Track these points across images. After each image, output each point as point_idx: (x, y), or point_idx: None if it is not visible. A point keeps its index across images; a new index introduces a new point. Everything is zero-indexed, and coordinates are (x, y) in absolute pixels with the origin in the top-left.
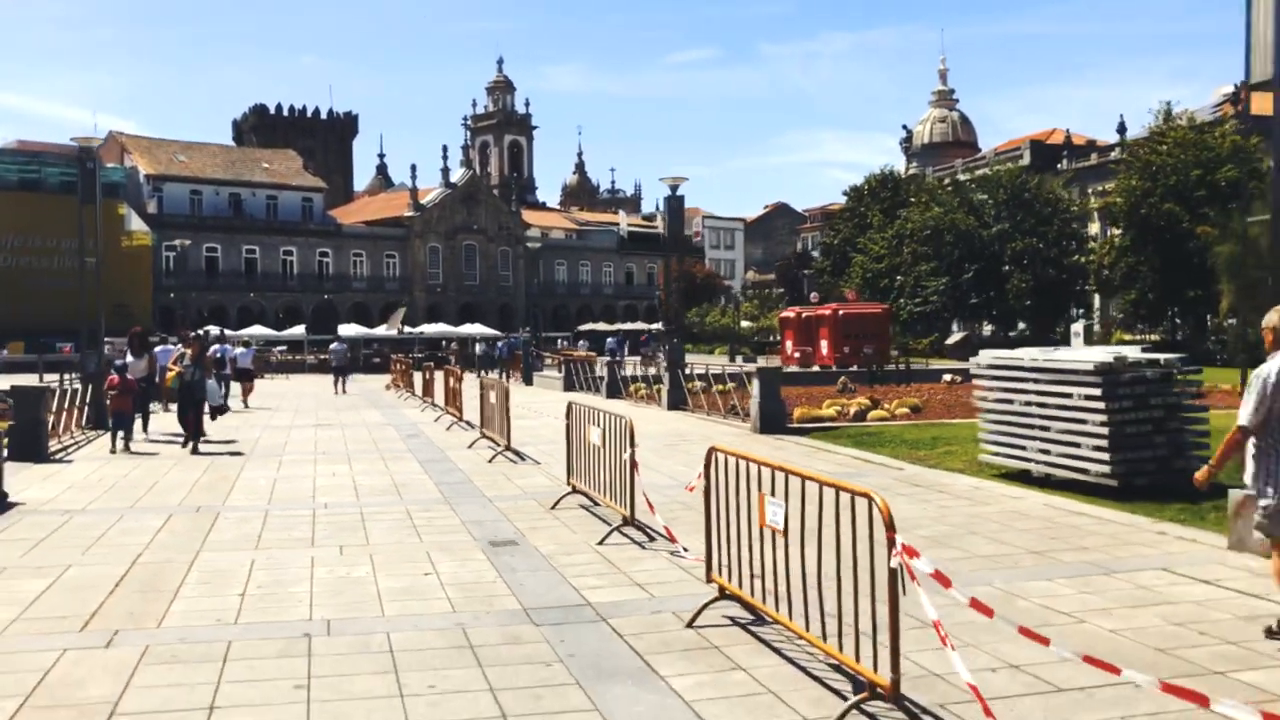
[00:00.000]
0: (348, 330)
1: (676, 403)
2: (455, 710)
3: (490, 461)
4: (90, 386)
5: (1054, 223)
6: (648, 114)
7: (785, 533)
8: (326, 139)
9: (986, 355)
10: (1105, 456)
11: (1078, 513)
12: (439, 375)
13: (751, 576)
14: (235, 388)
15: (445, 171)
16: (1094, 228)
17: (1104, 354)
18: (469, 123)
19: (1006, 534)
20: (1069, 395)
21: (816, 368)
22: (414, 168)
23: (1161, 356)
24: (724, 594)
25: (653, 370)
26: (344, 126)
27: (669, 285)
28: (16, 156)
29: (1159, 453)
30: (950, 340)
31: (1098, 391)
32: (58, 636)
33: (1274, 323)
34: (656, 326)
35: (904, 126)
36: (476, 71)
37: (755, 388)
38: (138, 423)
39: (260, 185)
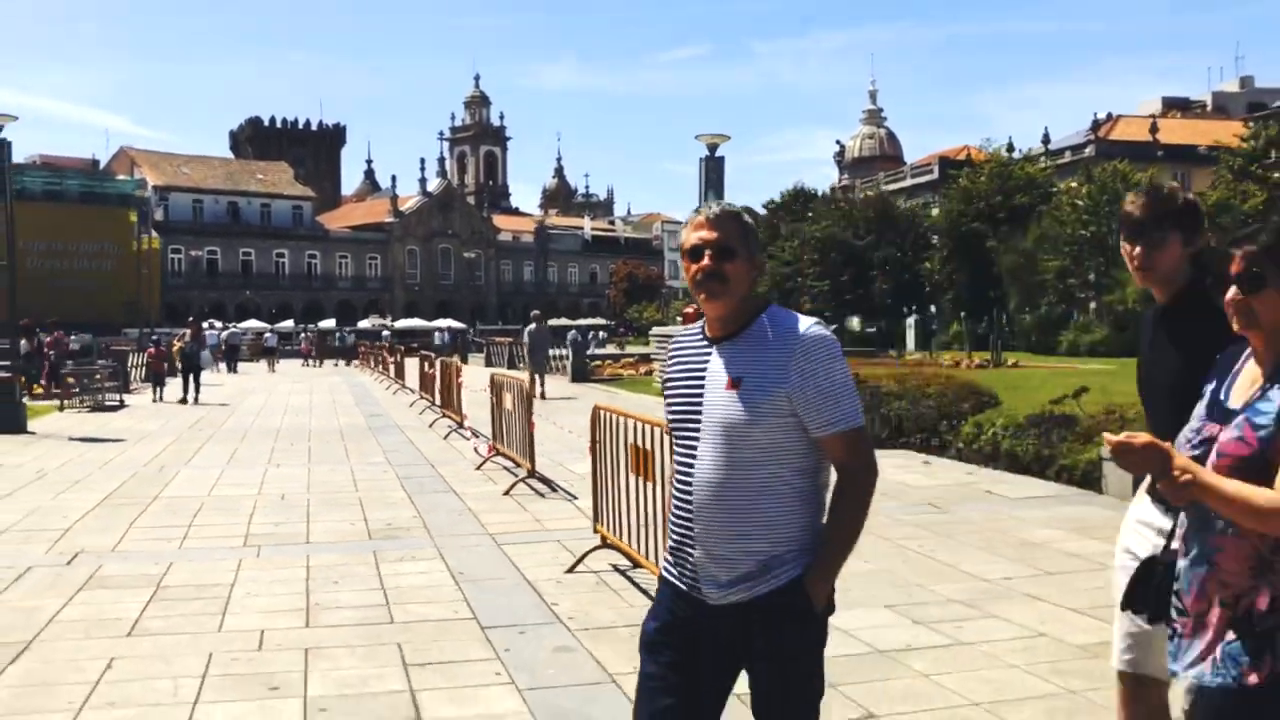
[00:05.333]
0: (327, 323)
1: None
2: (328, 440)
3: (394, 394)
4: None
5: (910, 235)
6: (638, 111)
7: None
8: (317, 148)
9: (656, 330)
10: None
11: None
12: (383, 354)
13: (444, 405)
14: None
15: (423, 181)
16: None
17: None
18: (448, 135)
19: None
20: None
21: None
22: (394, 178)
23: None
24: (444, 416)
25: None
26: (333, 137)
27: (543, 288)
28: (41, 171)
29: None
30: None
31: None
32: (176, 431)
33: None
34: (606, 322)
35: (837, 141)
36: (464, 68)
37: (570, 354)
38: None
39: (255, 194)
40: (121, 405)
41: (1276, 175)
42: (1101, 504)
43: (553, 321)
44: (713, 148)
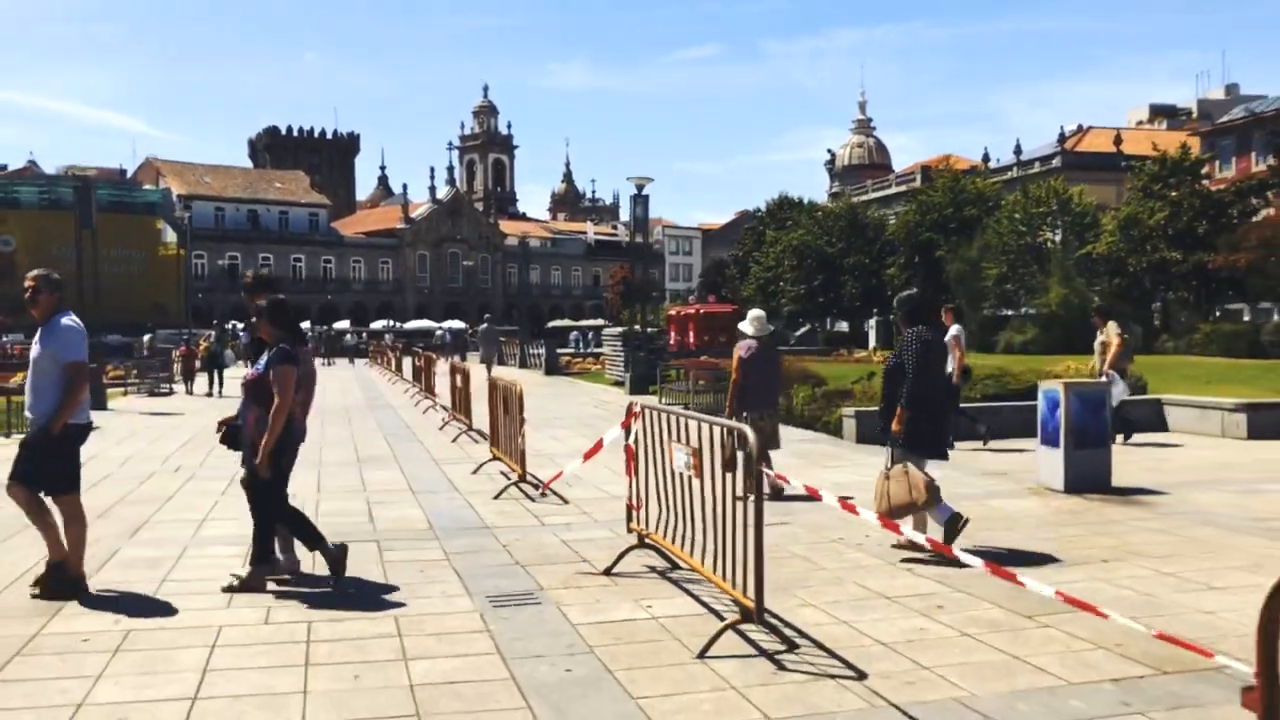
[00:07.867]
0: (341, 324)
1: (522, 364)
2: (337, 414)
3: (392, 384)
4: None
5: (877, 243)
6: (647, 112)
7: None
8: (331, 156)
9: (608, 330)
10: (624, 371)
11: (604, 391)
12: (385, 353)
13: (426, 389)
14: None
15: (432, 189)
16: None
17: (623, 328)
18: (457, 144)
19: (581, 395)
20: (617, 345)
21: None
22: (405, 187)
23: (647, 330)
24: (426, 397)
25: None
26: (347, 145)
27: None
28: (72, 181)
29: (646, 370)
30: (798, 333)
31: (621, 342)
32: (222, 409)
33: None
34: (598, 321)
35: (829, 150)
36: (476, 76)
37: (544, 352)
38: None
39: (273, 202)
40: (171, 392)
41: (1174, 194)
42: (828, 443)
43: (556, 323)
44: (640, 187)
